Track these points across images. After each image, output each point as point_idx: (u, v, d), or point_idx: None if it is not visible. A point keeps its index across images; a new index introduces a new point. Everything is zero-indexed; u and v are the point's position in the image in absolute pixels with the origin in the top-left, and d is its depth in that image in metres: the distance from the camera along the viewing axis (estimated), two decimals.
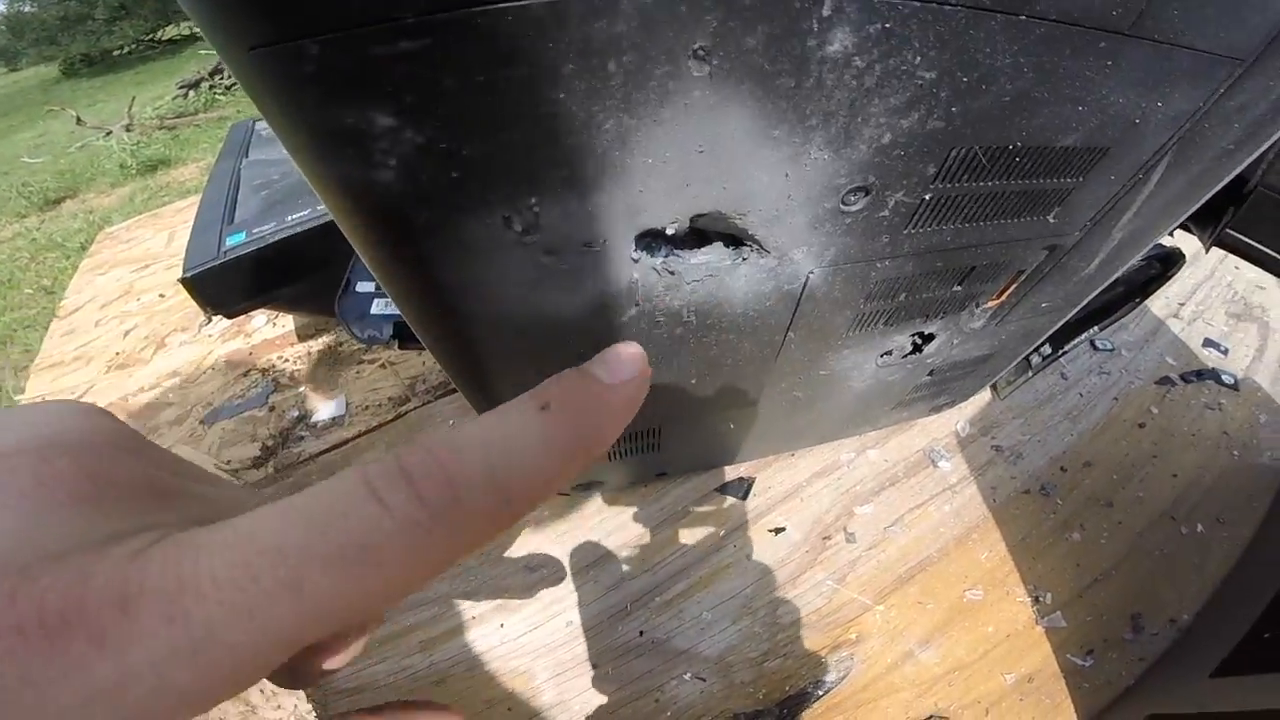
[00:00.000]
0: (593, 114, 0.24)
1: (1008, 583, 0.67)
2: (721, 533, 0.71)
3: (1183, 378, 0.83)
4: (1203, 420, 0.78)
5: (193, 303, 1.16)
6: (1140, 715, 0.55)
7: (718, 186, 0.30)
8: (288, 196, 1.01)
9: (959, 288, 0.46)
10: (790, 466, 0.76)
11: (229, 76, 3.44)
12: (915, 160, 0.31)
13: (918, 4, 0.24)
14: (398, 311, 0.75)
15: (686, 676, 0.62)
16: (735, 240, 0.35)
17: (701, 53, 0.23)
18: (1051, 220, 0.41)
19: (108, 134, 3.44)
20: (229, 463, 0.87)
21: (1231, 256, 1.02)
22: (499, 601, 0.67)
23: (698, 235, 0.34)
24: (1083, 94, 0.30)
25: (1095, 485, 0.74)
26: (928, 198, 0.35)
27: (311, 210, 0.94)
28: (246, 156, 1.19)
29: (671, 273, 0.35)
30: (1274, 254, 0.91)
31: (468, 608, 0.67)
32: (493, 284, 0.32)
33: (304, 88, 0.21)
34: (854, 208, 0.34)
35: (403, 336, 0.74)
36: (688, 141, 0.27)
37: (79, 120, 3.87)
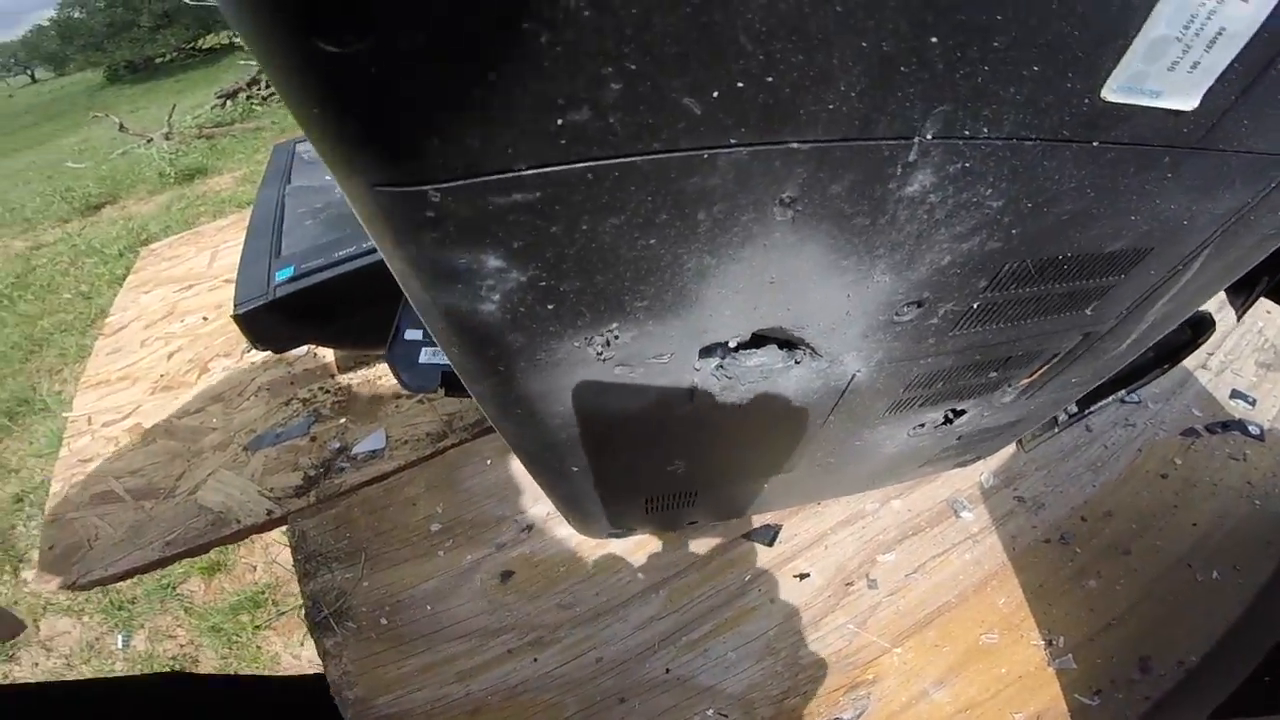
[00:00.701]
0: (678, 255, 0.27)
1: (1023, 627, 0.69)
2: (747, 577, 0.74)
3: (1208, 429, 0.83)
4: (1226, 470, 0.79)
5: (234, 327, 1.21)
6: None
7: (782, 308, 0.32)
8: (333, 229, 1.04)
9: (995, 374, 0.48)
10: (816, 515, 0.79)
11: (266, 87, 3.48)
12: (969, 276, 0.34)
13: (999, 142, 0.25)
14: (445, 361, 0.78)
15: (710, 712, 0.64)
16: (789, 344, 0.37)
17: (788, 200, 0.25)
18: (1089, 313, 0.43)
19: (148, 141, 3.54)
20: (272, 490, 0.91)
21: (1264, 301, 1.02)
22: (534, 636, 0.70)
23: (754, 339, 0.37)
24: (1139, 205, 0.32)
25: (1114, 534, 0.75)
26: (975, 305, 0.37)
27: (357, 246, 0.96)
28: (289, 182, 1.23)
29: (729, 376, 0.37)
30: None
31: (503, 641, 0.70)
32: (568, 391, 0.35)
33: (422, 229, 0.23)
34: (906, 318, 0.36)
35: (450, 385, 0.76)
36: (761, 274, 0.29)
37: (121, 127, 3.99)
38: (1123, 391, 0.72)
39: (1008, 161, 0.26)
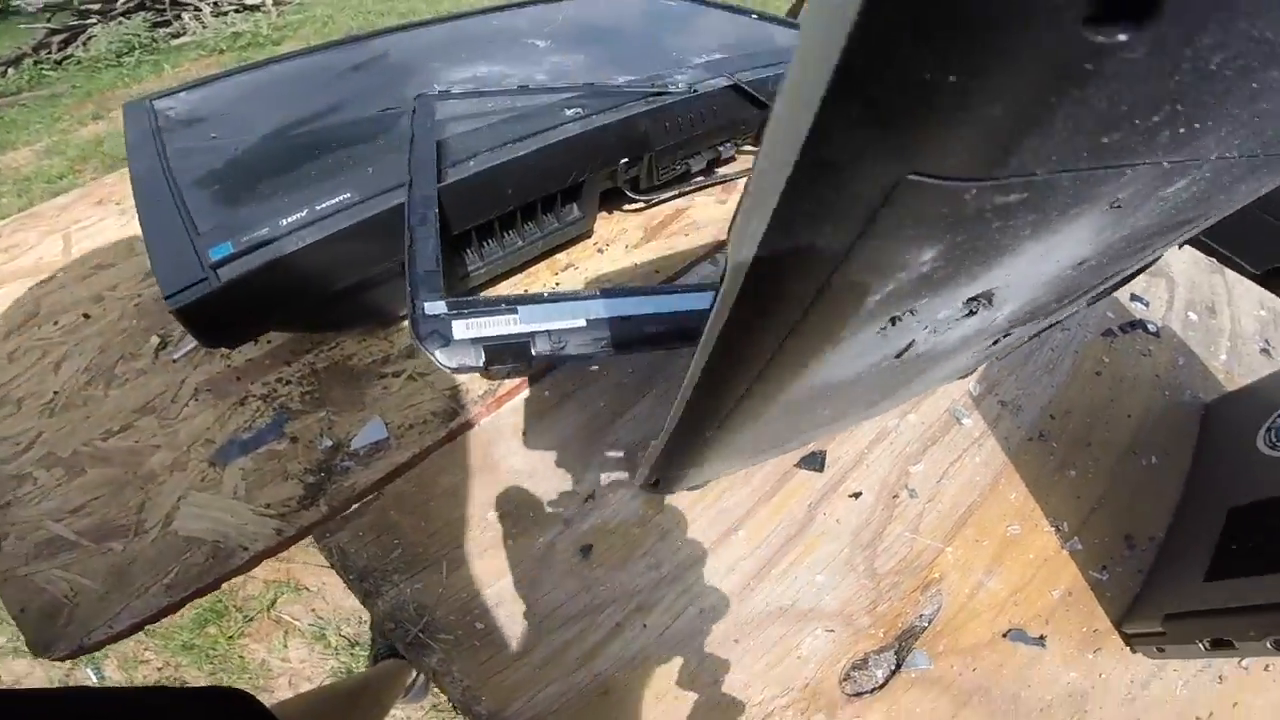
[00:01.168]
0: (1029, 241, 0.28)
1: (1034, 517, 0.82)
2: (809, 503, 0.80)
3: (1121, 329, 1.02)
4: (1139, 366, 0.99)
5: (132, 321, 1.01)
6: (1159, 614, 0.71)
7: (1022, 273, 0.35)
8: (254, 194, 0.88)
9: (1055, 304, 0.55)
10: (849, 438, 0.86)
11: (59, 49, 2.77)
12: (1122, 243, 0.38)
13: (1227, 159, 0.28)
14: (483, 334, 0.72)
15: (818, 631, 0.71)
16: (972, 298, 0.40)
17: (1119, 201, 0.27)
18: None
19: None
20: (268, 506, 0.80)
21: None
22: (636, 603, 0.71)
23: None
24: (1225, 189, 0.37)
25: (1077, 429, 0.91)
26: (1104, 261, 0.42)
27: (309, 210, 0.83)
28: (166, 146, 1.01)
29: (934, 332, 0.40)
30: (1222, 250, 1.13)
31: (609, 615, 0.70)
32: (835, 360, 0.35)
33: (919, 223, 0.21)
34: (1066, 274, 0.41)
35: (493, 361, 0.70)
36: (1044, 249, 0.31)
37: None
38: (1083, 301, 0.85)
39: (1214, 166, 0.29)
